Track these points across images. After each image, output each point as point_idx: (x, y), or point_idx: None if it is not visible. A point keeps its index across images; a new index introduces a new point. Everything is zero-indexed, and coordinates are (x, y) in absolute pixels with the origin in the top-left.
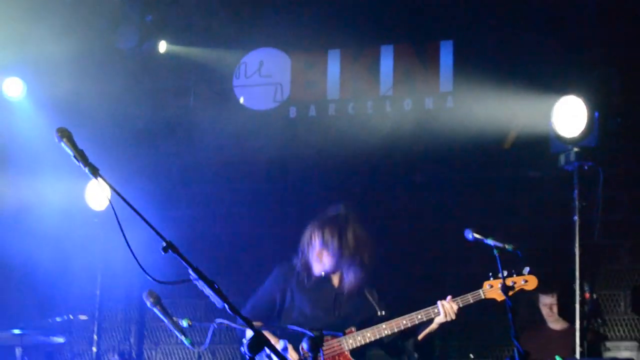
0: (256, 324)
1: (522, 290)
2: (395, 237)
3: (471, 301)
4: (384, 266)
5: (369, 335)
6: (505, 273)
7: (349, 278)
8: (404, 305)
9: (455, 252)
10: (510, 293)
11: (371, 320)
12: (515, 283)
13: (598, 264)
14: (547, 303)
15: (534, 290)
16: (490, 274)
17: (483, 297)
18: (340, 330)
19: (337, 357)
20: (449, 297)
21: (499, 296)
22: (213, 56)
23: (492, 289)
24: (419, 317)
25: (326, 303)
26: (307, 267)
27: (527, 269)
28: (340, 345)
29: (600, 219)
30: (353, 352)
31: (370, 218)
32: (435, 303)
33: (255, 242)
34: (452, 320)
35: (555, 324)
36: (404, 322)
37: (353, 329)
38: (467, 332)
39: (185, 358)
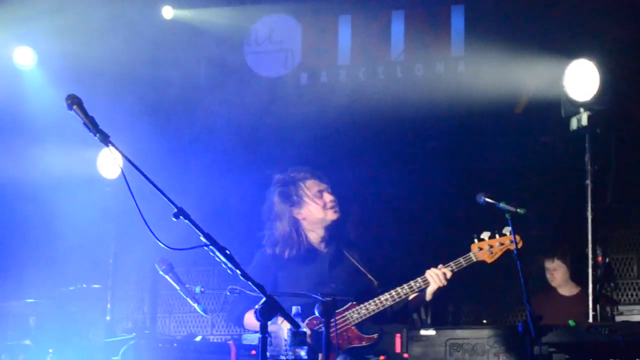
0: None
1: (508, 250)
2: (408, 202)
3: (464, 265)
4: (395, 231)
5: (372, 307)
6: (489, 234)
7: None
8: (414, 272)
9: (467, 217)
10: (499, 254)
11: (368, 292)
12: (502, 244)
13: (611, 228)
14: (549, 268)
15: (520, 248)
16: (475, 235)
17: (475, 259)
18: (340, 304)
19: (344, 334)
20: (439, 265)
21: (489, 258)
22: (222, 23)
23: (481, 252)
24: (417, 284)
25: (320, 278)
26: (298, 233)
27: (508, 229)
28: (345, 320)
29: (613, 183)
30: (358, 325)
31: (381, 183)
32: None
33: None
34: (444, 287)
35: (565, 289)
36: (403, 291)
37: (354, 302)
38: (479, 297)
39: (199, 325)
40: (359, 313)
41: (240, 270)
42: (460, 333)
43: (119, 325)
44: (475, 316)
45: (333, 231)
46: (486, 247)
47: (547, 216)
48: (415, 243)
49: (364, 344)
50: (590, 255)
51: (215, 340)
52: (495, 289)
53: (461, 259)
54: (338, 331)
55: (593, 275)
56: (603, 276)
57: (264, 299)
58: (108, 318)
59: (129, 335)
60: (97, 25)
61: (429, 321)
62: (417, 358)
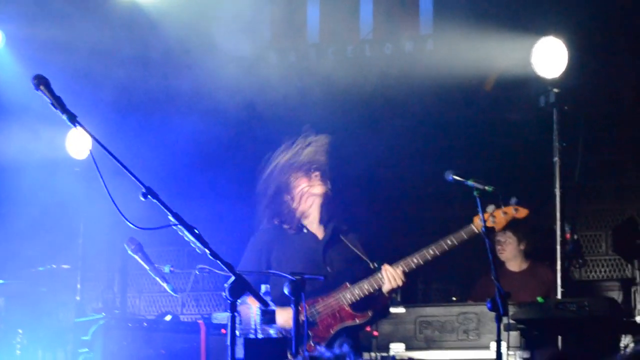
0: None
1: (514, 219)
2: (376, 182)
3: (465, 237)
4: (365, 211)
5: (365, 287)
6: (493, 207)
7: (332, 223)
8: (391, 251)
9: (436, 195)
10: (505, 222)
11: (364, 275)
12: (507, 213)
13: (579, 205)
14: (500, 240)
15: (525, 218)
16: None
17: (476, 231)
18: (333, 287)
19: (337, 314)
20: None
21: (496, 225)
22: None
23: (487, 222)
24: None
25: (316, 260)
26: (291, 215)
27: (514, 200)
28: (337, 301)
29: (581, 160)
30: (352, 305)
31: (350, 163)
32: (419, 247)
33: (236, 188)
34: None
35: (514, 264)
36: (406, 268)
37: (347, 284)
38: (449, 275)
39: (169, 305)
40: (352, 293)
41: (209, 249)
42: (429, 310)
43: (89, 305)
44: (445, 294)
45: (328, 211)
46: (489, 219)
47: (516, 193)
48: (387, 222)
49: (357, 322)
50: (558, 232)
51: (185, 320)
52: (464, 267)
53: (462, 232)
54: (331, 312)
55: (561, 251)
56: (571, 253)
57: (232, 277)
58: (78, 298)
59: (99, 315)
60: (64, 6)
61: (398, 299)
62: (386, 335)
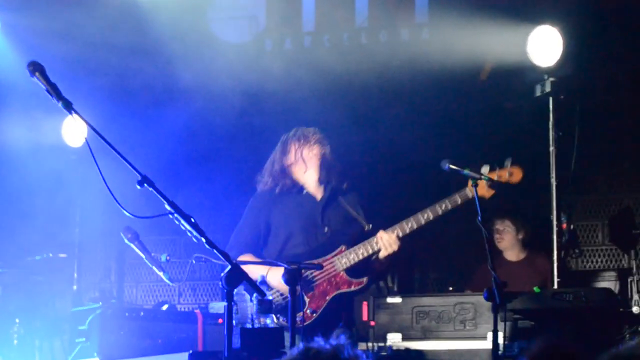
0: (245, 257)
1: (508, 183)
2: (372, 171)
3: (459, 202)
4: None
5: (360, 252)
6: (488, 168)
7: (331, 183)
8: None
9: (432, 184)
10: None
11: (360, 236)
12: (500, 177)
13: (575, 195)
14: (498, 229)
15: (519, 182)
16: (470, 175)
17: (470, 196)
18: (331, 248)
19: (332, 280)
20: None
21: (487, 192)
22: None
23: (478, 187)
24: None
25: (313, 220)
26: (288, 177)
27: (509, 161)
28: (333, 266)
29: (577, 149)
30: (347, 270)
31: (346, 152)
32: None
33: (232, 177)
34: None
35: (511, 254)
36: (400, 232)
37: (343, 247)
38: (446, 265)
39: (166, 295)
40: (347, 258)
41: (205, 239)
42: (426, 300)
43: (86, 294)
44: (442, 284)
45: (328, 171)
46: (484, 183)
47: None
48: (383, 212)
49: (352, 288)
50: (554, 222)
51: (182, 309)
52: (461, 256)
53: (457, 195)
54: (326, 277)
55: (557, 241)
56: (568, 243)
57: (229, 266)
58: (75, 287)
59: (96, 304)
60: None
61: (395, 289)
62: (383, 325)
